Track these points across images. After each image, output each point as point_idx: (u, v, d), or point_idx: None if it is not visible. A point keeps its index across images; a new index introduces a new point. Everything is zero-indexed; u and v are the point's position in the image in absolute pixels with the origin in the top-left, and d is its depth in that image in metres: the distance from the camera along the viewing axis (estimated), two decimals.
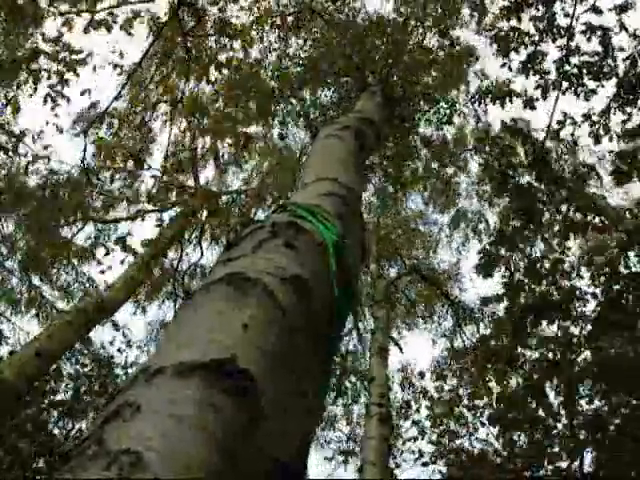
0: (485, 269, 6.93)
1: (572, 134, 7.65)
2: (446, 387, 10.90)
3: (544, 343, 7.14)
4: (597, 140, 7.56)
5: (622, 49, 7.09)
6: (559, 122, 7.53)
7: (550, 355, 7.47)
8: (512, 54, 7.39)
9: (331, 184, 2.40)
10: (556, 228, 7.64)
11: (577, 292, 7.10)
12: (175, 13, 7.69)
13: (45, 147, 8.96)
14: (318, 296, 1.69)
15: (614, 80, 7.17)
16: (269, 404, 1.24)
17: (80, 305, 9.01)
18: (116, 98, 8.57)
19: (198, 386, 1.14)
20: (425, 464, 9.89)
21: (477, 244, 14.41)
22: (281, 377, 1.36)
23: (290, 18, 9.46)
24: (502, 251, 7.10)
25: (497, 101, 7.52)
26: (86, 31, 7.55)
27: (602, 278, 7.08)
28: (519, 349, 7.39)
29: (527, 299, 6.82)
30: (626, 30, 7.16)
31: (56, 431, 8.65)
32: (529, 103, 7.41)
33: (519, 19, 7.33)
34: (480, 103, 7.80)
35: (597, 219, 7.19)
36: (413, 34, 8.64)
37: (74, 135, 11.65)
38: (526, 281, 6.84)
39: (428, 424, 10.43)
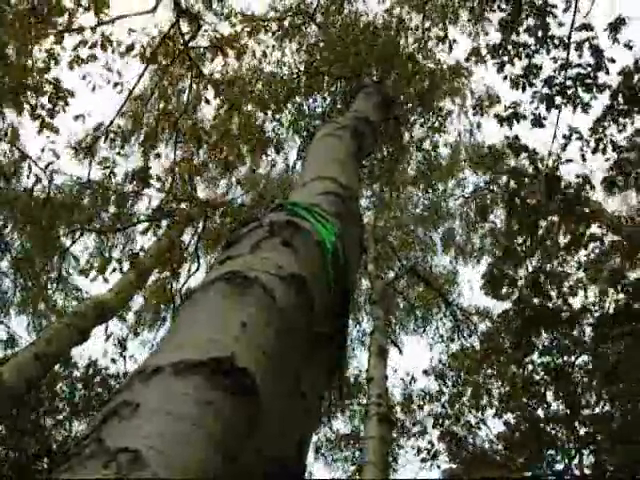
0: (493, 288, 6.96)
1: (581, 148, 7.50)
2: (445, 389, 10.90)
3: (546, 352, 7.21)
4: (593, 153, 7.50)
5: (613, 60, 7.03)
6: (564, 136, 7.41)
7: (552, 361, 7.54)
8: (510, 66, 7.34)
9: (329, 183, 2.39)
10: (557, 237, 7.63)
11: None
12: (176, 23, 7.74)
13: (46, 166, 8.95)
14: (316, 295, 1.68)
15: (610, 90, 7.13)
16: (268, 403, 1.24)
17: (79, 309, 8.99)
18: (117, 115, 8.63)
19: (197, 385, 1.13)
20: (424, 460, 9.90)
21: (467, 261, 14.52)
22: (280, 376, 1.36)
23: (285, 23, 9.46)
24: (508, 267, 7.14)
25: (504, 123, 7.38)
26: (71, 67, 7.59)
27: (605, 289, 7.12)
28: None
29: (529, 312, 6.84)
30: (618, 43, 7.12)
31: (55, 432, 8.65)
32: (537, 122, 7.29)
33: (512, 30, 7.29)
34: (482, 114, 7.68)
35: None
36: (409, 38, 8.67)
37: (78, 152, 11.60)
38: (531, 293, 6.86)
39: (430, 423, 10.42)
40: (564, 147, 7.42)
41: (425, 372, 11.37)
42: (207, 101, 8.25)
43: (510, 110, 7.32)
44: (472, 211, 13.72)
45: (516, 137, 7.32)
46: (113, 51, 7.82)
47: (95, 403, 8.84)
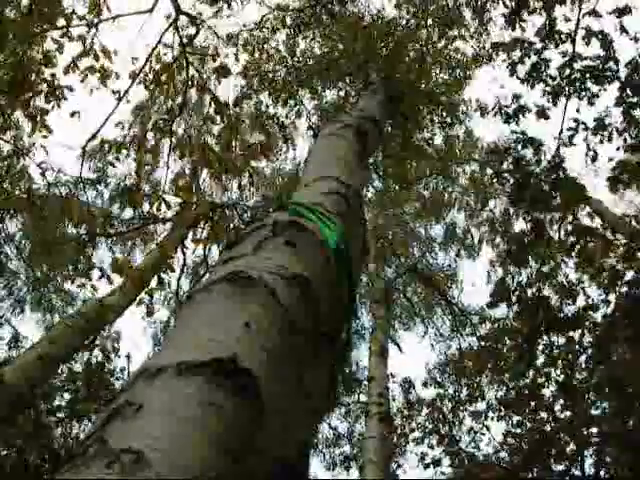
0: (498, 299, 6.98)
1: (584, 139, 7.48)
2: (444, 392, 10.88)
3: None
4: (594, 158, 7.47)
5: (616, 60, 6.99)
6: (570, 129, 7.39)
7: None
8: (520, 65, 7.32)
9: (333, 182, 2.39)
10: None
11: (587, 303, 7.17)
12: (174, 23, 7.73)
13: (43, 170, 8.96)
14: (320, 295, 1.68)
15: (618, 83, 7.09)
16: (271, 404, 1.23)
17: (82, 310, 8.97)
18: (109, 122, 8.62)
19: (200, 385, 1.13)
20: (427, 466, 9.86)
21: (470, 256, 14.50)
22: (283, 376, 1.35)
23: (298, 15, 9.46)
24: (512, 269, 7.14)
25: (510, 120, 7.37)
26: (66, 72, 7.59)
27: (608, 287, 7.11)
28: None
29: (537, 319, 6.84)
30: (627, 33, 7.09)
31: (57, 433, 8.65)
32: (542, 114, 7.28)
33: (514, 26, 7.27)
34: (501, 114, 7.63)
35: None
36: (416, 35, 8.65)
37: (74, 150, 11.61)
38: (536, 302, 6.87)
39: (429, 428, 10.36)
40: (570, 138, 7.40)
41: (425, 384, 11.36)
42: (212, 119, 8.29)
43: (514, 105, 7.31)
44: (472, 201, 13.77)
45: (523, 132, 7.32)
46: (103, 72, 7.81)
47: (95, 403, 8.83)
